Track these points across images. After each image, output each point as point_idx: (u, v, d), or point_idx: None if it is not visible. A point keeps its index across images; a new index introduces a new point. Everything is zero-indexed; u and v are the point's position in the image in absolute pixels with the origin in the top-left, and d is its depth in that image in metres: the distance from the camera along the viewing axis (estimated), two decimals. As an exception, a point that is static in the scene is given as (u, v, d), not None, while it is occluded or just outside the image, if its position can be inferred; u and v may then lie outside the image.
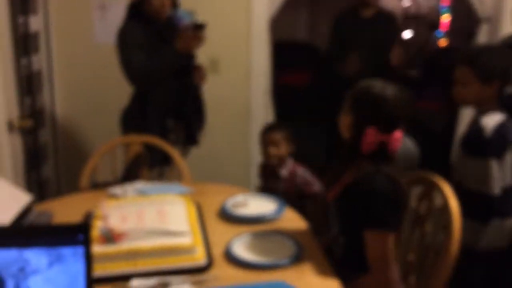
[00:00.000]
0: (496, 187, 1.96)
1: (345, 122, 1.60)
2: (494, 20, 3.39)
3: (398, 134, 1.55)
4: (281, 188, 2.43)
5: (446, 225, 1.62)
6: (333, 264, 1.56)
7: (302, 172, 2.47)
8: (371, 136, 1.52)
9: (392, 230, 1.49)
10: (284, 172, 2.46)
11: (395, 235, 1.51)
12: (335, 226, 1.66)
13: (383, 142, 1.53)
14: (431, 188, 1.76)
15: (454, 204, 1.63)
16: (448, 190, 1.67)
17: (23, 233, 1.19)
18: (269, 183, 2.51)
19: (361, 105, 1.56)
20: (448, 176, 1.90)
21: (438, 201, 1.73)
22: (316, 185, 2.44)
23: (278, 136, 2.46)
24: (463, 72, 2.00)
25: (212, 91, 3.13)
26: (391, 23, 3.35)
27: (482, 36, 3.46)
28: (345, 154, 1.65)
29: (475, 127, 2.00)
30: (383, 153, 1.55)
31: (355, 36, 3.19)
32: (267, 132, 2.51)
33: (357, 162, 1.58)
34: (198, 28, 2.29)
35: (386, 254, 1.47)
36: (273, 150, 2.45)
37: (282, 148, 2.45)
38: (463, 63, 2.00)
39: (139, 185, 2.12)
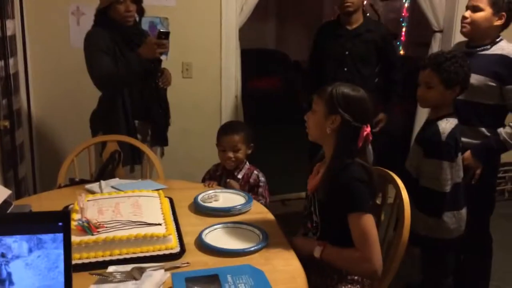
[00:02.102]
0: (448, 186, 2.12)
1: (321, 123, 1.72)
2: (446, 31, 3.63)
3: (368, 126, 1.72)
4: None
5: (398, 214, 1.78)
6: None
7: (257, 173, 2.41)
8: (367, 131, 1.68)
9: (369, 211, 1.62)
10: (240, 175, 2.42)
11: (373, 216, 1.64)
12: (316, 215, 1.79)
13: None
14: (385, 182, 1.91)
15: (405, 195, 1.79)
16: (400, 183, 1.83)
17: (5, 220, 1.24)
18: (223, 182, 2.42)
19: (347, 107, 1.68)
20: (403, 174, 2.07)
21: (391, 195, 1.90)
22: (264, 198, 2.36)
23: (235, 139, 2.38)
24: (429, 76, 2.14)
25: (185, 94, 3.26)
26: (376, 32, 3.08)
27: (436, 46, 3.69)
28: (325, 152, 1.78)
29: (433, 130, 2.14)
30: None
31: (336, 48, 3.04)
32: (223, 136, 2.41)
33: (341, 155, 1.70)
34: (163, 35, 2.39)
35: (367, 233, 1.59)
36: (231, 154, 2.38)
37: (240, 152, 2.39)
38: (430, 67, 2.14)
39: (114, 182, 2.20)
